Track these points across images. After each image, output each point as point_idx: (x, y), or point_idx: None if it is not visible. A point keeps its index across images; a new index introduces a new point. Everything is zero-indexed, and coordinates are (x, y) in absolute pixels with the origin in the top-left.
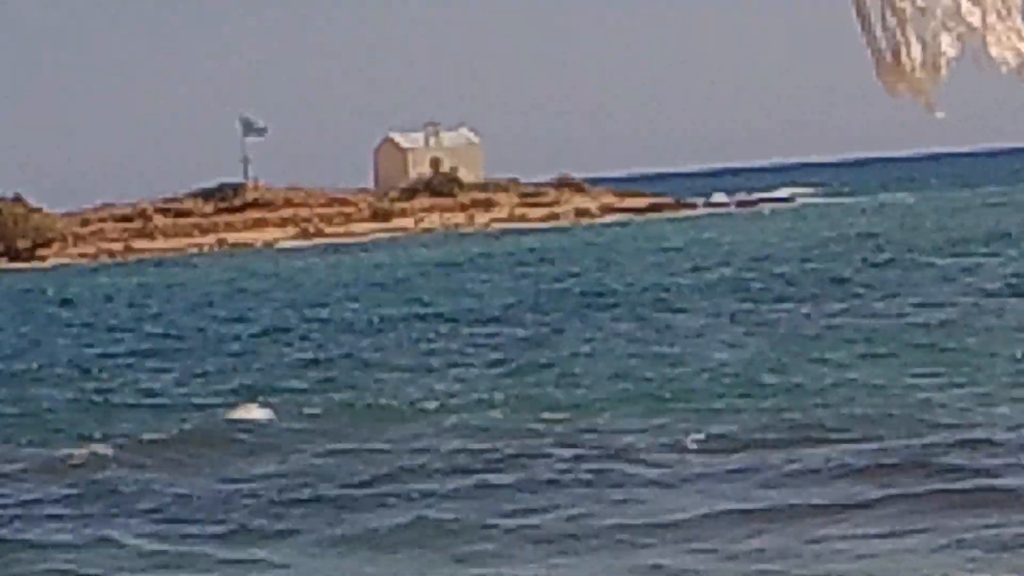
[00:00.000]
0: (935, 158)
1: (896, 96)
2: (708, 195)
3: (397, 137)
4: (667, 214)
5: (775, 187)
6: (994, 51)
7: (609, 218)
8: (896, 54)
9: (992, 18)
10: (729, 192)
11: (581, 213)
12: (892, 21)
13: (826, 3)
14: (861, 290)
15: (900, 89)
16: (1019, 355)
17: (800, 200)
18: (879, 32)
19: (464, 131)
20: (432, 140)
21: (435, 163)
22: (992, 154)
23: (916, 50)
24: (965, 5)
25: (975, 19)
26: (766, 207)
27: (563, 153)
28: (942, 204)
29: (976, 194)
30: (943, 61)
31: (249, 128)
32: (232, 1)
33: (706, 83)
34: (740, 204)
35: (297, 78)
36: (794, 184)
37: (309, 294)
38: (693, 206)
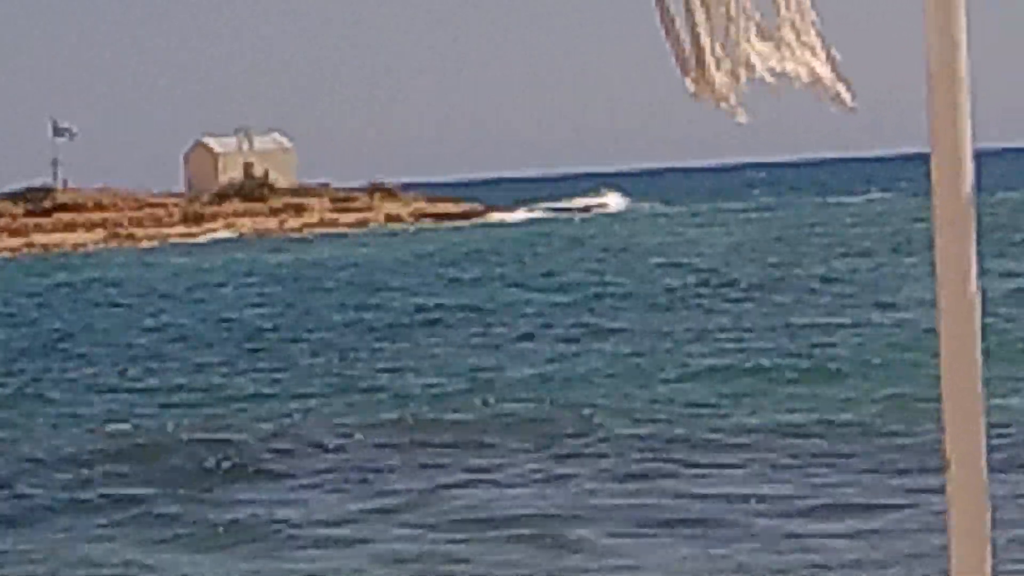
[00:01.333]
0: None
1: (699, 100)
2: (526, 201)
3: (209, 141)
4: (478, 220)
5: (588, 195)
6: (788, 66)
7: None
8: (700, 60)
9: (788, 33)
10: (544, 199)
11: (392, 219)
12: (693, 27)
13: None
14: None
15: (704, 94)
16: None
17: (614, 207)
18: (683, 36)
19: (276, 136)
20: (244, 145)
21: (247, 168)
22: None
23: (717, 56)
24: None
25: (775, 33)
26: (577, 215)
27: (376, 159)
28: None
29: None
30: (742, 71)
31: (58, 130)
32: (41, 1)
33: (523, 88)
34: (555, 211)
35: (108, 81)
36: (618, 191)
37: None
38: (507, 212)
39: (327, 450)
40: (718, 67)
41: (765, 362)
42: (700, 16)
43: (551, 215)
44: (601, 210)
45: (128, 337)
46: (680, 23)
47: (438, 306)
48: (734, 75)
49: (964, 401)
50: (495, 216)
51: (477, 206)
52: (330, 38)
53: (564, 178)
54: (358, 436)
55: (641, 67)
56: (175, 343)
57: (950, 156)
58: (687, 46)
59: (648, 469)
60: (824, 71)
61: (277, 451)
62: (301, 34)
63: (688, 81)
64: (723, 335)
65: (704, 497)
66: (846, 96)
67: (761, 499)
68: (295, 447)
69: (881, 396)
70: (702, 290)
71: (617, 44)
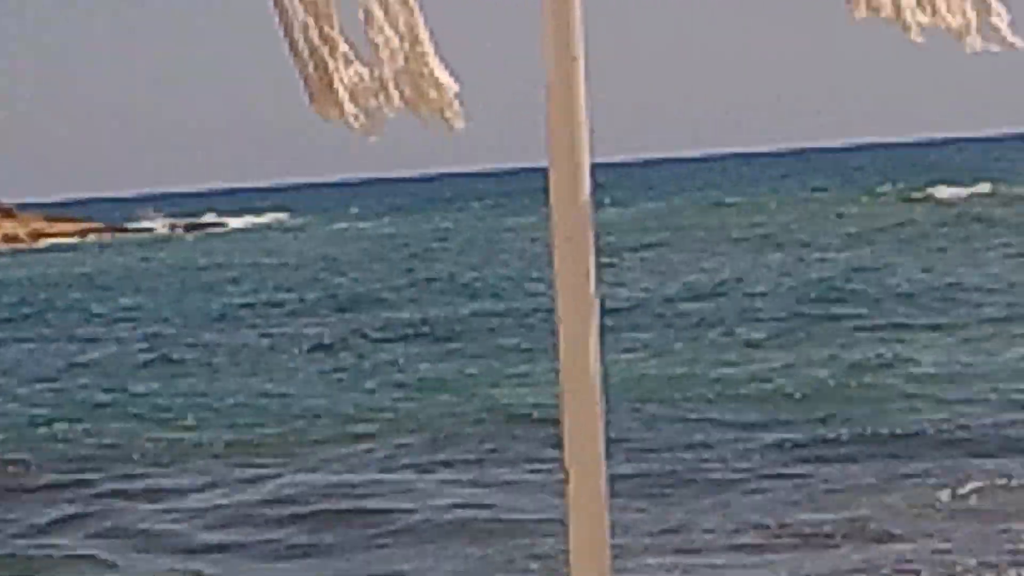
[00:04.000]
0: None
1: (328, 119)
2: (138, 219)
3: None
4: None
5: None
6: (439, 75)
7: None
8: (328, 79)
9: (428, 45)
10: (168, 215)
11: (10, 239)
12: (322, 44)
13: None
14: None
15: (333, 114)
16: None
17: (237, 224)
18: (307, 56)
19: None
20: None
21: None
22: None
23: (350, 75)
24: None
25: (419, 48)
26: (203, 232)
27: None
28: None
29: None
30: (389, 85)
31: None
32: None
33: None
34: (183, 228)
35: None
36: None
37: None
38: (126, 231)
39: None
40: (349, 93)
41: None
42: (318, 33)
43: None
44: (216, 229)
45: None
46: (303, 43)
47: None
48: (372, 91)
49: (583, 411)
50: (131, 234)
51: (98, 224)
52: None
53: (153, 198)
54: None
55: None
56: None
57: (567, 168)
58: (311, 65)
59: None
60: (447, 95)
61: None
62: None
63: (315, 101)
64: None
65: None
66: (458, 122)
67: None
68: None
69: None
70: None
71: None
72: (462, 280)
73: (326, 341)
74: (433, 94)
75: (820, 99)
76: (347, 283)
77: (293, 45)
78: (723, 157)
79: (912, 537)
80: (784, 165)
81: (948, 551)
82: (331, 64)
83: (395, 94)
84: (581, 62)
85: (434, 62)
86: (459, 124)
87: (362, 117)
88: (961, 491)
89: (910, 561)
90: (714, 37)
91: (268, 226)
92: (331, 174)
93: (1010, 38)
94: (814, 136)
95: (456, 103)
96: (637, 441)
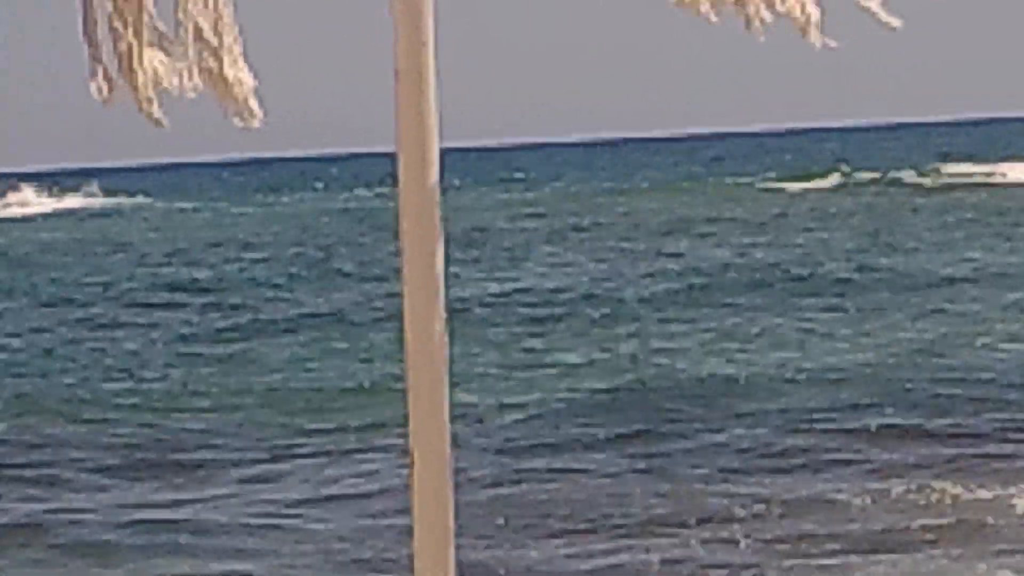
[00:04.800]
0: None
1: (109, 103)
2: None
3: None
4: None
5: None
6: (229, 73)
7: None
8: (129, 62)
9: (229, 39)
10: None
11: None
12: (133, 23)
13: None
14: None
15: (128, 96)
16: None
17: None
18: (109, 36)
19: None
20: None
21: None
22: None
23: (152, 60)
24: (207, 29)
25: (216, 42)
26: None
27: None
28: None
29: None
30: (185, 75)
31: None
32: None
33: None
34: None
35: None
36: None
37: None
38: None
39: None
40: (151, 78)
41: None
42: (136, 30)
43: None
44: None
45: None
46: (104, 31)
47: None
48: (165, 84)
49: (429, 395)
50: None
51: None
52: None
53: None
54: None
55: None
56: None
57: (416, 153)
58: (109, 53)
59: None
60: (242, 91)
61: None
62: None
63: (95, 86)
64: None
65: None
66: (256, 111)
67: None
68: None
69: None
70: None
71: None
72: (323, 262)
73: (185, 331)
74: (228, 89)
75: (672, 87)
76: (194, 268)
77: (90, 22)
78: (582, 144)
79: (747, 528)
80: (624, 154)
81: (782, 540)
82: (134, 46)
83: (191, 85)
84: (431, 47)
85: (229, 59)
86: (254, 122)
87: (156, 102)
88: (776, 483)
89: (735, 551)
90: (572, 23)
91: (120, 208)
92: (198, 155)
93: (884, 18)
94: (668, 125)
95: (251, 100)
96: (477, 433)
